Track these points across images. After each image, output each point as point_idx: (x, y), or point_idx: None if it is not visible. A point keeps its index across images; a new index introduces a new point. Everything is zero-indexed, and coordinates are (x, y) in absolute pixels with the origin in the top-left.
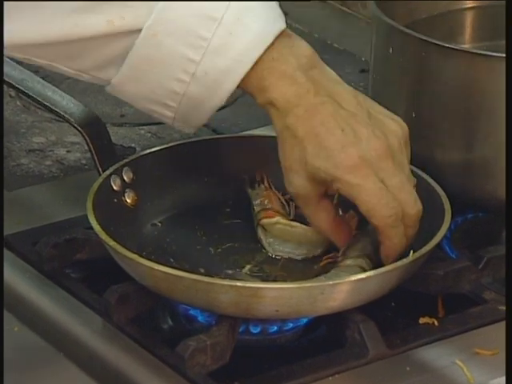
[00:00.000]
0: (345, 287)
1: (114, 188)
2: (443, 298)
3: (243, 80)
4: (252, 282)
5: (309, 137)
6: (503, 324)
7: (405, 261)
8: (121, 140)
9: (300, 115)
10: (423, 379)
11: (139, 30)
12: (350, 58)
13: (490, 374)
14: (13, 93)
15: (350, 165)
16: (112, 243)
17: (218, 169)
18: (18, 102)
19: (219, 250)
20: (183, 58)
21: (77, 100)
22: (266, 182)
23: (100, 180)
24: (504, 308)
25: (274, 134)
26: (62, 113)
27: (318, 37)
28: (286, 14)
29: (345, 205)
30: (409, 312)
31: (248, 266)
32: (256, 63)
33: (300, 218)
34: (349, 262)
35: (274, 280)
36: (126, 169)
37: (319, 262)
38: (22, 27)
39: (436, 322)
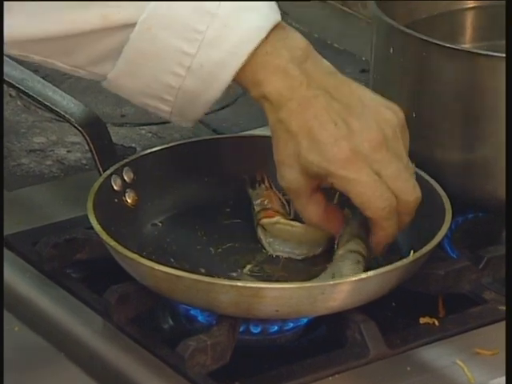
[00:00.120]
0: (345, 287)
1: (115, 188)
2: (443, 297)
3: (238, 73)
4: (252, 282)
5: (302, 131)
6: (503, 324)
7: (405, 261)
8: (121, 140)
9: (293, 109)
10: (423, 379)
11: (134, 24)
12: (350, 57)
13: (491, 373)
14: (13, 92)
15: (342, 159)
16: (112, 243)
17: (218, 169)
18: (19, 102)
19: (219, 249)
20: (178, 51)
21: (77, 100)
22: (266, 182)
23: (100, 180)
24: (504, 308)
25: None
26: (63, 113)
27: (317, 37)
28: (285, 13)
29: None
30: (409, 312)
31: (248, 266)
32: (250, 57)
33: (300, 218)
34: (341, 251)
35: (275, 280)
36: (126, 169)
37: (319, 261)
38: (22, 22)
39: (436, 322)
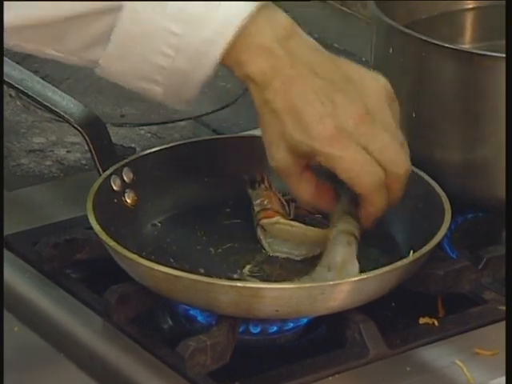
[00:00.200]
0: (345, 287)
1: (114, 188)
2: (443, 298)
3: (224, 54)
4: (252, 282)
5: (287, 110)
6: (503, 324)
7: (405, 261)
8: (121, 140)
9: (277, 89)
10: (423, 379)
11: (120, 7)
12: (350, 58)
13: (490, 374)
14: (13, 93)
15: (327, 136)
16: (112, 243)
17: (218, 169)
18: (18, 102)
19: (219, 250)
20: (166, 31)
21: (77, 100)
22: (266, 182)
23: (100, 180)
24: (504, 308)
25: None
26: (62, 113)
27: (317, 37)
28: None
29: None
30: (409, 312)
31: (248, 266)
32: (236, 36)
33: (300, 218)
34: (333, 233)
35: (274, 280)
36: (126, 169)
37: (318, 262)
38: (17, 10)
39: (436, 322)
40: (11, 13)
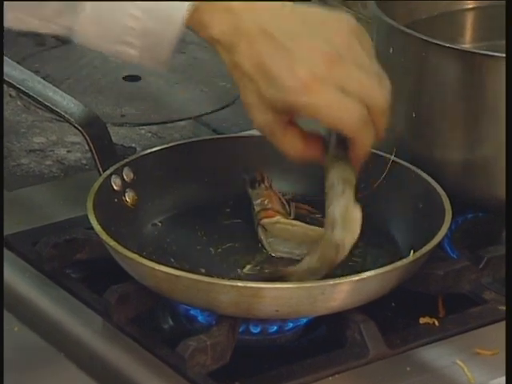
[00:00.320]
0: (345, 287)
1: (115, 188)
2: (443, 297)
3: (188, 16)
4: (252, 282)
5: (255, 70)
6: (503, 324)
7: (405, 261)
8: (121, 140)
9: (244, 51)
10: (423, 379)
11: None
12: None
13: (491, 373)
14: (13, 93)
15: (301, 86)
16: (112, 243)
17: (218, 169)
18: (19, 102)
19: (219, 249)
20: None
21: (77, 100)
22: (266, 182)
23: (100, 180)
24: (504, 308)
25: None
26: (63, 113)
27: None
28: None
29: None
30: (409, 312)
31: (248, 266)
32: None
33: (300, 218)
34: (326, 189)
35: (275, 280)
36: (126, 169)
37: None
38: None
39: (436, 322)
40: None
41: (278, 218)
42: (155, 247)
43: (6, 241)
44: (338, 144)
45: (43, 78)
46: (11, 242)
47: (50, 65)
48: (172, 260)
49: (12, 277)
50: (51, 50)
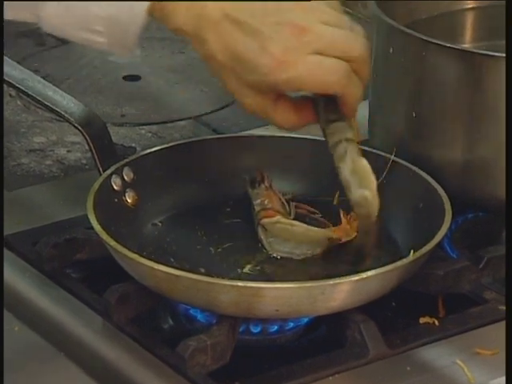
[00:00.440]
0: (345, 287)
1: (115, 188)
2: (443, 297)
3: (150, 6)
4: (252, 281)
5: (229, 58)
6: (503, 324)
7: (405, 261)
8: (121, 140)
9: (211, 41)
10: (423, 379)
11: None
12: None
13: (491, 373)
14: (13, 92)
15: (276, 64)
16: (112, 243)
17: (218, 169)
18: (19, 102)
19: (219, 249)
20: None
21: (77, 100)
22: (266, 182)
23: (100, 180)
24: (504, 308)
25: (274, 134)
26: (63, 112)
27: None
28: None
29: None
30: (409, 312)
31: (248, 266)
32: None
33: (300, 218)
34: (331, 151)
35: (275, 280)
36: (126, 168)
37: (319, 261)
38: None
39: (436, 322)
40: None
41: (278, 217)
42: (155, 247)
43: (6, 241)
44: (327, 106)
45: (43, 78)
46: (11, 241)
47: (50, 65)
48: (172, 260)
49: (12, 277)
50: (51, 50)
